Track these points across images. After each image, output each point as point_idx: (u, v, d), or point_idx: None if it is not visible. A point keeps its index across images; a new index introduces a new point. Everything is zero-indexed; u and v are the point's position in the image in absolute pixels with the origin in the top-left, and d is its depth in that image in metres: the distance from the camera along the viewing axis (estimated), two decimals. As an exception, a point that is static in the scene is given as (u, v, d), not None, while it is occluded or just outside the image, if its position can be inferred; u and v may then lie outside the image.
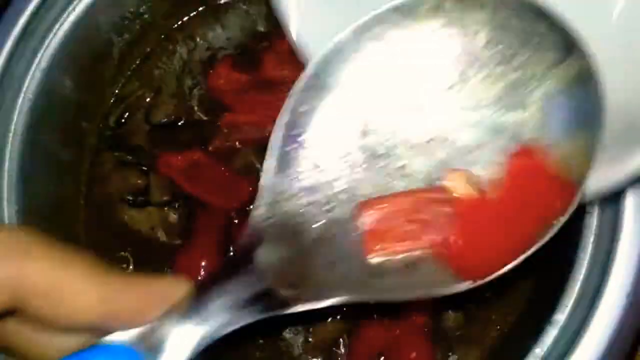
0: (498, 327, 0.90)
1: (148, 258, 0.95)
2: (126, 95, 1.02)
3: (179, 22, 1.05)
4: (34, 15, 0.83)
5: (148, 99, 1.01)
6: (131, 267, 0.95)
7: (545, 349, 0.76)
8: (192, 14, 1.05)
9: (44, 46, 0.87)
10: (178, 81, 1.02)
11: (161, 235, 0.95)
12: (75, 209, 0.98)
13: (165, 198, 0.95)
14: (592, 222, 0.77)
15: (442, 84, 0.62)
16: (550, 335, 0.76)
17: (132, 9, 0.98)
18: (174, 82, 1.02)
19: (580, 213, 0.78)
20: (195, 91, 1.01)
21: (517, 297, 0.91)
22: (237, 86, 0.98)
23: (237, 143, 0.96)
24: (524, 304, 0.90)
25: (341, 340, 0.89)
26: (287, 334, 0.90)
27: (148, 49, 1.04)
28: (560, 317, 0.76)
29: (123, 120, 1.01)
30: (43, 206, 0.90)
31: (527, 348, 0.77)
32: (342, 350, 0.89)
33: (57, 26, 0.87)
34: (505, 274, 0.88)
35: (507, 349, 0.88)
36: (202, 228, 0.93)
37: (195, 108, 1.00)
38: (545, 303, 0.81)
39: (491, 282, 0.88)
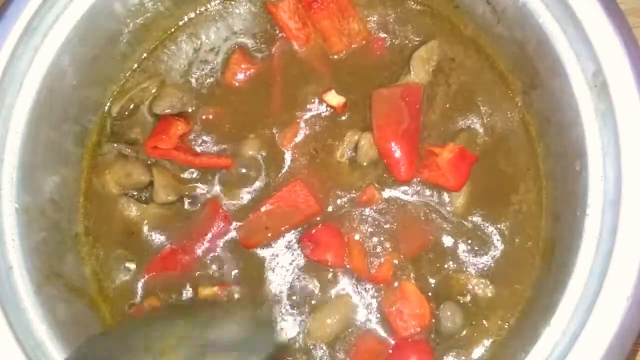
0: (498, 329, 0.90)
1: (148, 257, 0.95)
2: (129, 90, 1.01)
3: (186, 17, 1.04)
4: (36, 12, 0.83)
5: (153, 91, 1.01)
6: (134, 266, 0.95)
7: (544, 351, 0.76)
8: (199, 10, 1.05)
9: (47, 42, 0.86)
10: (184, 74, 1.02)
11: (161, 234, 0.96)
12: (75, 205, 0.98)
13: (170, 198, 0.96)
14: (593, 226, 0.77)
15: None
16: (549, 338, 0.76)
17: (136, 3, 0.97)
18: (179, 75, 1.02)
19: (581, 216, 0.78)
20: (203, 83, 1.01)
21: (516, 299, 0.91)
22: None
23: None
24: (523, 307, 0.90)
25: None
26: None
27: (154, 44, 1.04)
28: (560, 319, 0.76)
29: (127, 113, 1.00)
30: (43, 203, 0.90)
31: (526, 350, 0.77)
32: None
33: (60, 21, 0.87)
34: (506, 274, 0.90)
35: (506, 352, 0.87)
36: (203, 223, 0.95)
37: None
38: (545, 306, 0.81)
39: (491, 284, 0.91)
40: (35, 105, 0.86)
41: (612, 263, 0.73)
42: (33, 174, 0.87)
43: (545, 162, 0.94)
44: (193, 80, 1.02)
